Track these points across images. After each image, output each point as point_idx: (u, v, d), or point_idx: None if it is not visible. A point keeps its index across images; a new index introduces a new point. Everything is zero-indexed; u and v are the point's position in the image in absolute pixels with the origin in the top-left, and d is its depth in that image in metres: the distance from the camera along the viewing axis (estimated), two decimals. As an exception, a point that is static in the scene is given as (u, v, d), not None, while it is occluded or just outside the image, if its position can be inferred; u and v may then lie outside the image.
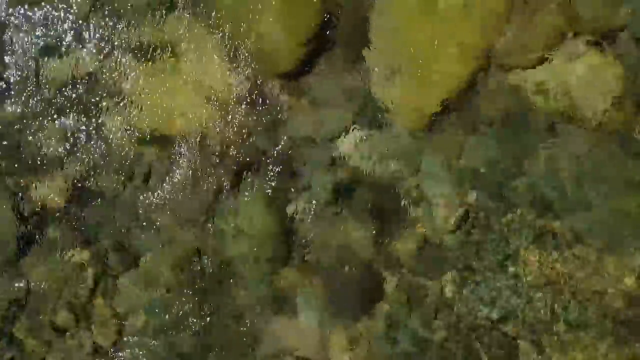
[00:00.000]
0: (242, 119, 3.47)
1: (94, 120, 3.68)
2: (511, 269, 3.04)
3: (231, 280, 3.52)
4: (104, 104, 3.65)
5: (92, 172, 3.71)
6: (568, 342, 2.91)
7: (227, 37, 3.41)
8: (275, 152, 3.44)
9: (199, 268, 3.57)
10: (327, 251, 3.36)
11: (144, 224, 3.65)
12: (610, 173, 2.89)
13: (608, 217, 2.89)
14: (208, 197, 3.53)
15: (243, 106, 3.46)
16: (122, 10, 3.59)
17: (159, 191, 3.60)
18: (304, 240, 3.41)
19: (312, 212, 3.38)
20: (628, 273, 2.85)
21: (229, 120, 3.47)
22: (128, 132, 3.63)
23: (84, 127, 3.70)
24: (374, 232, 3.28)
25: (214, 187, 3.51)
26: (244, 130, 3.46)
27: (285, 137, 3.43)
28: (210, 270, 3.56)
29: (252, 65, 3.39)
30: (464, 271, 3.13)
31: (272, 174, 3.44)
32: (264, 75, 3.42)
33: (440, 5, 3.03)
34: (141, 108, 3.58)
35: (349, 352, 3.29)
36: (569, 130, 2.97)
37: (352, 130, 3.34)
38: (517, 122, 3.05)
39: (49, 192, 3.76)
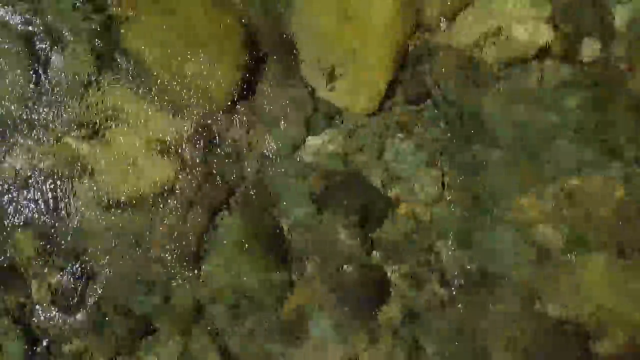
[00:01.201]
0: (202, 160, 3.45)
1: (63, 207, 3.64)
2: (505, 221, 3.01)
3: (240, 320, 3.44)
4: (68, 186, 3.62)
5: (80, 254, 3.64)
6: (578, 273, 2.89)
7: (161, 88, 3.42)
8: (243, 182, 3.42)
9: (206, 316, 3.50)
10: (324, 259, 3.31)
11: (142, 287, 3.57)
12: (569, 100, 2.90)
13: (578, 143, 2.89)
14: (191, 245, 3.47)
15: (198, 148, 3.45)
16: (58, 96, 3.59)
17: (148, 252, 3.54)
18: (298, 257, 3.35)
19: (297, 227, 3.33)
20: (616, 186, 2.84)
21: (189, 166, 3.45)
22: (98, 209, 3.58)
23: (55, 217, 3.65)
24: (361, 226, 3.25)
25: (195, 234, 3.46)
26: (207, 171, 3.44)
27: (248, 165, 3.41)
28: (217, 317, 3.49)
29: (195, 105, 3.39)
30: (460, 236, 3.10)
31: (246, 203, 3.40)
32: (210, 111, 3.41)
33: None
34: (103, 182, 3.55)
35: (370, 348, 3.21)
36: (518, 69, 2.98)
37: (311, 136, 3.34)
38: (464, 76, 3.06)
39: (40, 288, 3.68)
